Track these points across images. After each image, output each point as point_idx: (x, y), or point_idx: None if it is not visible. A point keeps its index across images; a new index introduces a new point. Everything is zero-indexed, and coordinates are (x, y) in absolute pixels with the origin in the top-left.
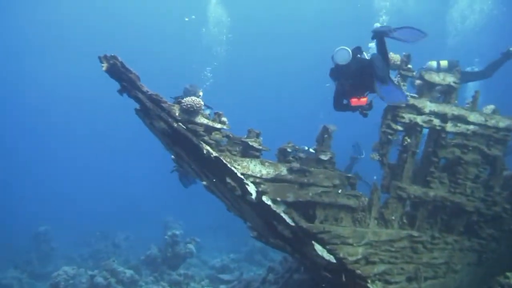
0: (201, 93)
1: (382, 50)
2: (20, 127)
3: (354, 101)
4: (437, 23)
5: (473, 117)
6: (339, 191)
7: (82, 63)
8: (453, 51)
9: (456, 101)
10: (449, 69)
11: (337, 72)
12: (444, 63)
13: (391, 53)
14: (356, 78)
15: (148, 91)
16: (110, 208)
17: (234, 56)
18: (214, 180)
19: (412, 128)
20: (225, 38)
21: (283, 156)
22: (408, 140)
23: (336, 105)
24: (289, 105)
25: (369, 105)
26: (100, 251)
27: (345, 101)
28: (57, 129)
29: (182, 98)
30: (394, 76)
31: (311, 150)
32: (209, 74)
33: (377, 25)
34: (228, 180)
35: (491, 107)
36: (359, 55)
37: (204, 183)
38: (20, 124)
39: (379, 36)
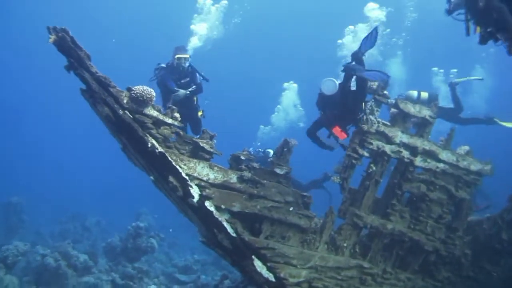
0: (186, 56)
1: (346, 84)
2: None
3: (336, 130)
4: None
5: (444, 155)
6: (291, 208)
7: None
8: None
9: (429, 136)
10: (429, 102)
11: (323, 102)
12: (424, 94)
13: None
14: (341, 109)
15: (96, 72)
16: (92, 191)
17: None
18: (157, 176)
19: (379, 156)
20: None
21: (235, 163)
22: (373, 167)
23: (309, 132)
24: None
25: None
26: (68, 231)
27: (326, 131)
28: (49, 108)
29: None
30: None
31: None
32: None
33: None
34: (171, 179)
35: (465, 147)
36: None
37: (152, 178)
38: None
39: (348, 72)
